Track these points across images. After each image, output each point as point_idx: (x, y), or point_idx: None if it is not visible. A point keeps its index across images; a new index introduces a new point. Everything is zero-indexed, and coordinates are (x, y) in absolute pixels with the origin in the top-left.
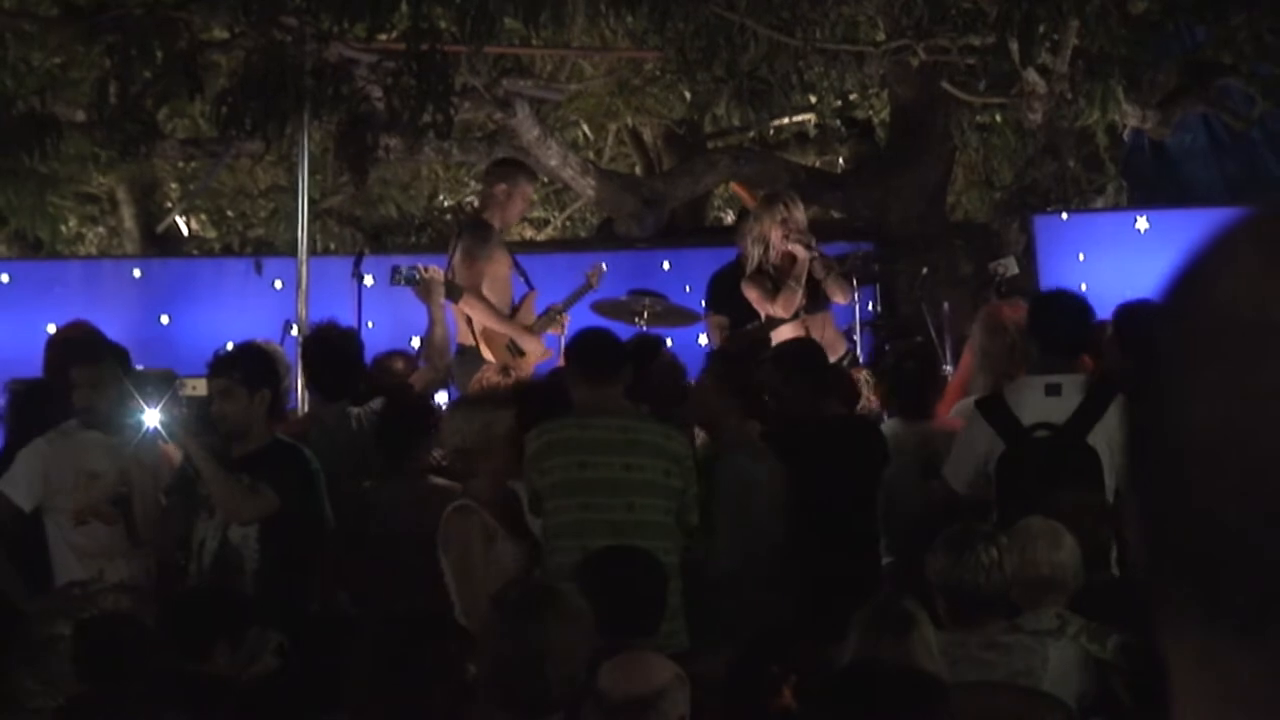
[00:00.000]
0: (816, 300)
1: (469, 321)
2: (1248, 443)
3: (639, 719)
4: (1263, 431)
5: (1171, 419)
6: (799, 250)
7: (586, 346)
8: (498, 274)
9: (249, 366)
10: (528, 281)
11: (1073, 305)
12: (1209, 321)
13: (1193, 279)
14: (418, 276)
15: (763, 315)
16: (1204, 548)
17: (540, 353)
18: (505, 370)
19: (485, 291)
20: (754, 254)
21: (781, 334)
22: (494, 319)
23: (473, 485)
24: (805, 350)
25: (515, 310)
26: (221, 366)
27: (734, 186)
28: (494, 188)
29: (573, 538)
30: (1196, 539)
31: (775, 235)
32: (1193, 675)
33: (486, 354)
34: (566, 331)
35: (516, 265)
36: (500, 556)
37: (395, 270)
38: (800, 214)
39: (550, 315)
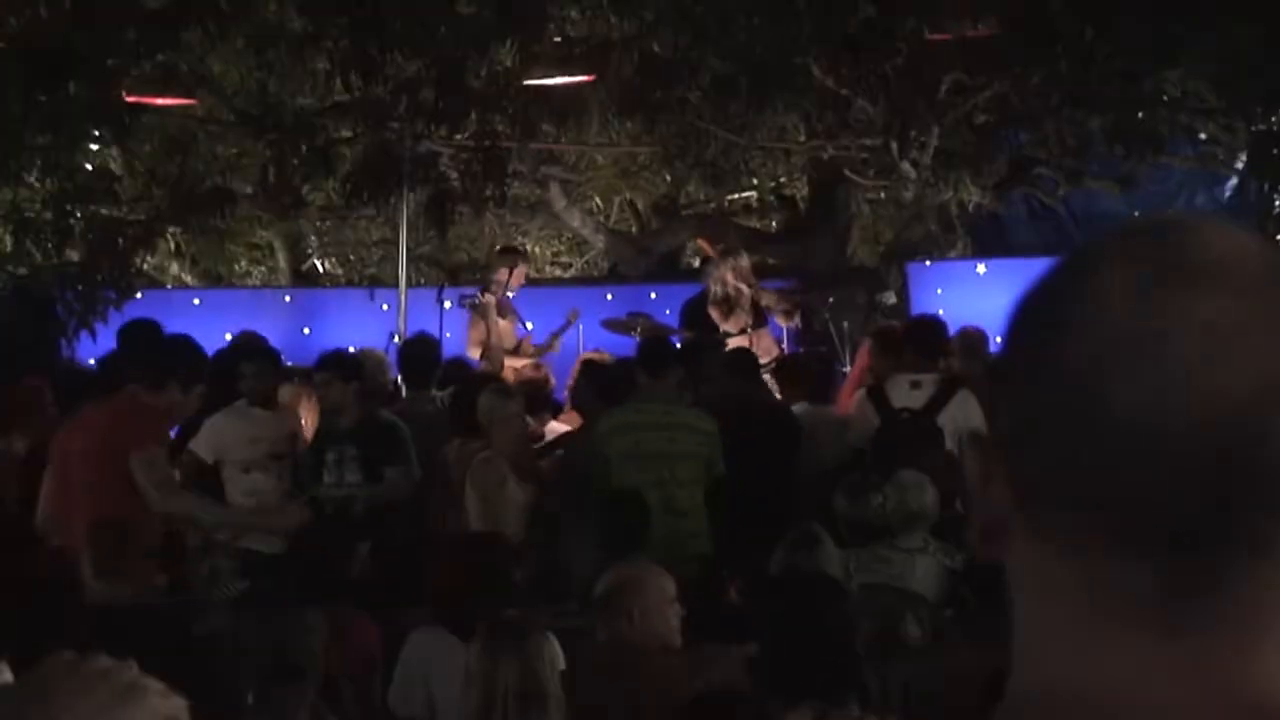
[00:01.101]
0: (758, 320)
1: None
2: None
3: (629, 609)
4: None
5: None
6: (744, 287)
7: (648, 350)
8: (503, 329)
9: (341, 365)
10: (525, 326)
11: (932, 327)
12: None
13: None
14: (477, 302)
15: (721, 330)
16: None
17: (520, 367)
18: (537, 366)
19: (494, 337)
20: (715, 289)
21: (732, 344)
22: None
23: (496, 443)
24: (743, 357)
25: (516, 349)
26: (323, 365)
27: (699, 241)
28: (497, 271)
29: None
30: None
31: (729, 276)
32: (1074, 592)
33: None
34: (559, 352)
35: (516, 315)
36: (512, 494)
37: (463, 298)
38: (745, 262)
39: (548, 344)
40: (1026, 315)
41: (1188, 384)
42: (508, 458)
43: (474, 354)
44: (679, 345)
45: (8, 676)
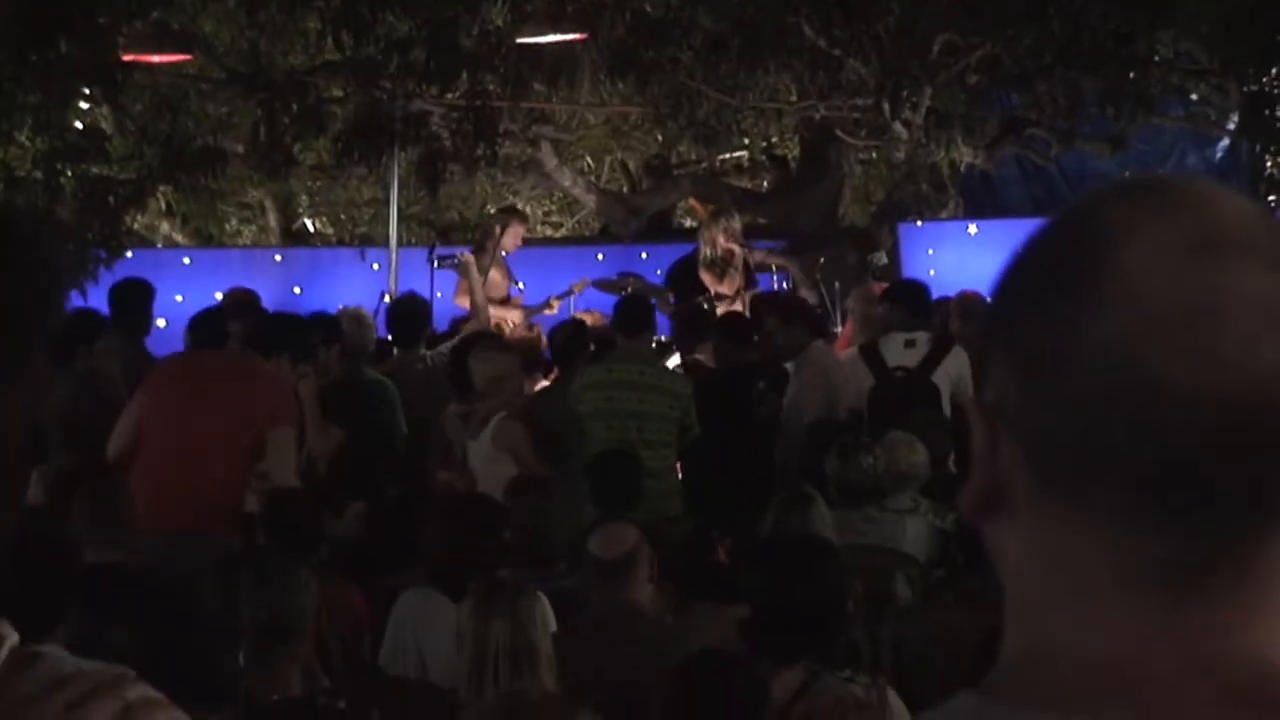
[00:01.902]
0: (749, 280)
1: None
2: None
3: (620, 570)
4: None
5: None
6: (735, 248)
7: (624, 310)
8: (495, 280)
9: (319, 330)
10: (515, 283)
11: (922, 286)
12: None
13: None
14: (457, 260)
15: (713, 292)
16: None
17: (508, 317)
18: (530, 327)
19: (487, 289)
20: (705, 251)
21: (724, 308)
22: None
23: (510, 404)
24: (734, 320)
25: (506, 300)
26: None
27: (690, 201)
28: (494, 227)
29: (598, 448)
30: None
31: (720, 238)
32: (1090, 559)
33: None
34: (557, 313)
35: (509, 274)
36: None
37: (441, 258)
38: (736, 223)
39: (544, 303)
40: (1040, 285)
41: (1237, 359)
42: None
43: (463, 304)
44: (675, 311)
45: (13, 637)
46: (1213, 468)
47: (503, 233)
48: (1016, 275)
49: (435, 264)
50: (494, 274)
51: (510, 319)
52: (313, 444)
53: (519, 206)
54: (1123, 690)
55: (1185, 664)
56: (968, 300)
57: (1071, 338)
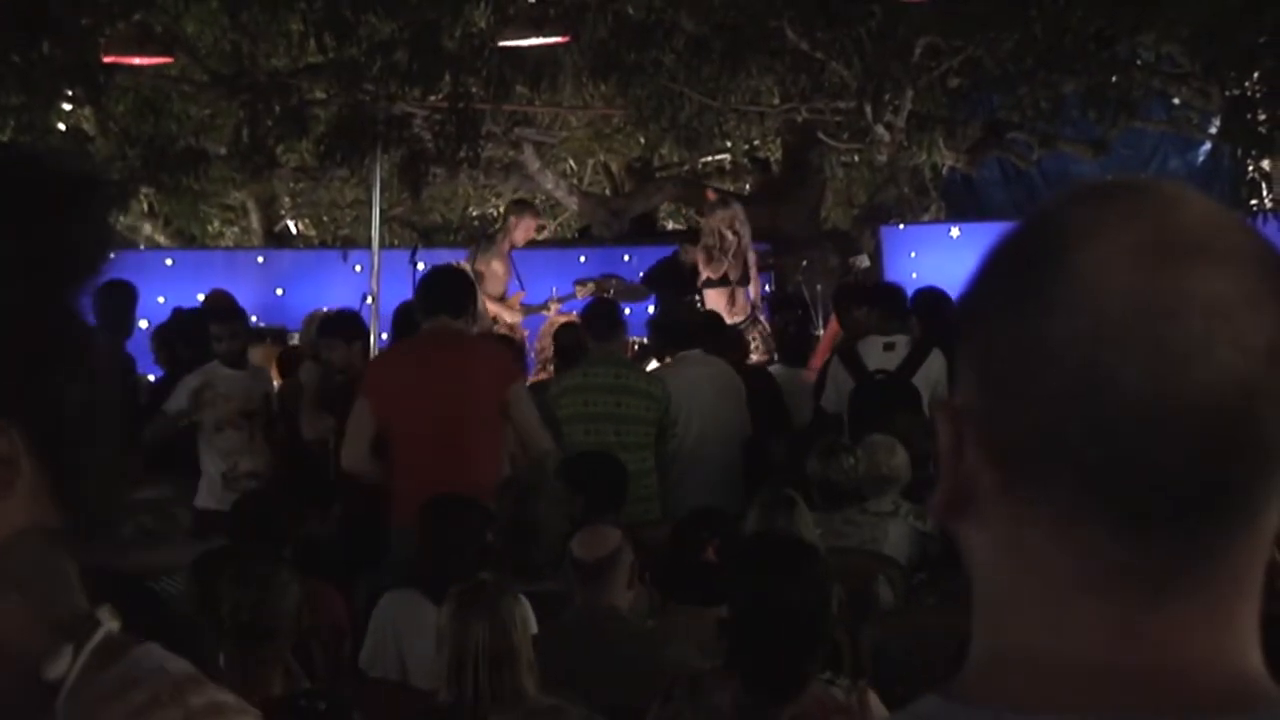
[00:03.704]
0: (744, 276)
1: None
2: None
3: (602, 573)
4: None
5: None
6: (729, 233)
7: (592, 314)
8: (495, 273)
9: (343, 326)
10: (520, 284)
11: (899, 289)
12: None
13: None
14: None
15: (704, 276)
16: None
17: (503, 314)
18: (512, 328)
19: (486, 283)
20: (705, 238)
21: (710, 294)
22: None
23: None
24: (713, 322)
25: (502, 297)
26: (325, 330)
27: (708, 193)
28: (508, 219)
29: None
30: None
31: (721, 226)
32: (1056, 560)
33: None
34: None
35: (515, 272)
36: None
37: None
38: (734, 211)
39: (542, 305)
40: (1002, 287)
41: (1190, 361)
42: None
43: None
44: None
45: (111, 625)
46: (1167, 470)
47: (515, 225)
48: (981, 277)
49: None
50: (496, 266)
51: (504, 317)
52: (306, 429)
53: (500, 209)
54: (1088, 694)
55: (1151, 668)
56: (928, 297)
57: (1028, 338)
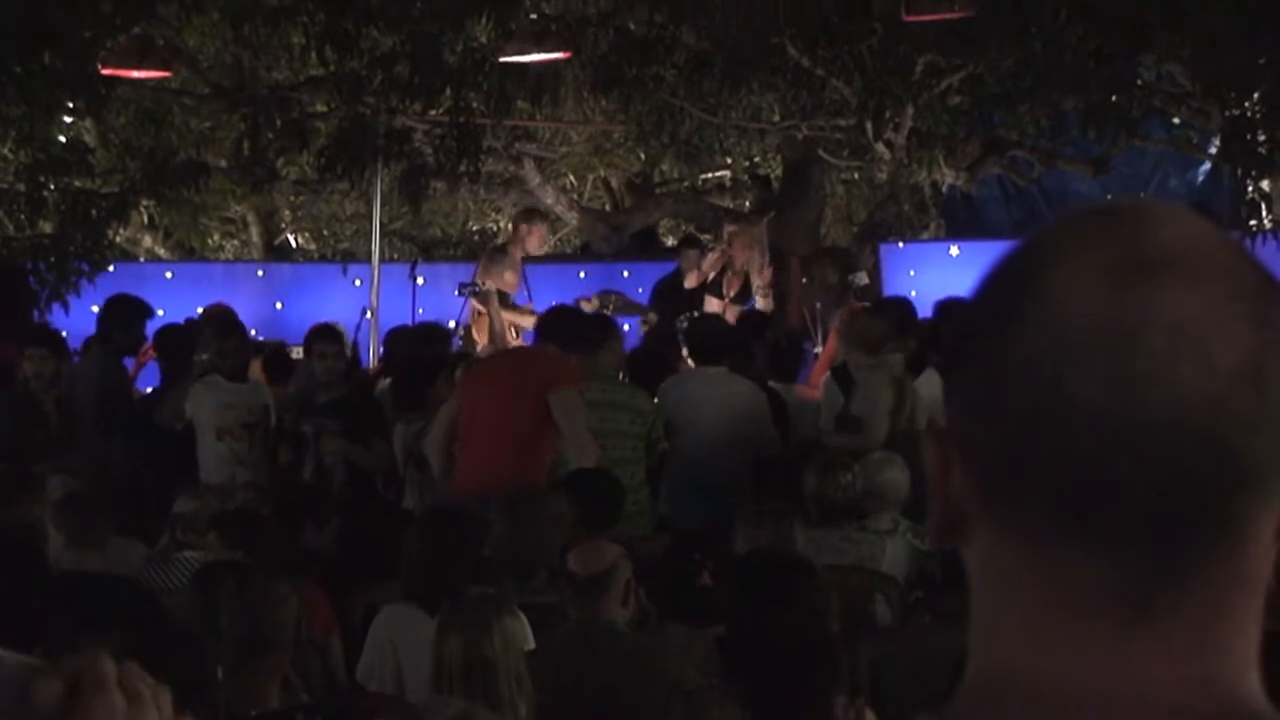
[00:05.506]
0: (743, 293)
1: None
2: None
3: (598, 588)
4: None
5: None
6: (738, 255)
7: (575, 329)
8: (509, 283)
9: (339, 339)
10: (529, 295)
11: (899, 307)
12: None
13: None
14: (479, 288)
15: (709, 276)
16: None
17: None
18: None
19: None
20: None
21: (710, 305)
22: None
23: None
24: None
25: (515, 309)
26: (322, 337)
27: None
28: (517, 227)
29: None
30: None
31: (738, 251)
32: (1036, 583)
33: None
34: None
35: (525, 282)
36: None
37: (462, 285)
38: (750, 234)
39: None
40: (981, 307)
41: (1156, 380)
42: None
43: (480, 340)
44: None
45: None
46: (1132, 490)
47: (527, 233)
48: (970, 298)
49: (458, 292)
50: (509, 276)
51: (521, 324)
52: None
53: (499, 224)
54: (1075, 718)
55: (1132, 691)
56: (946, 308)
57: (1000, 359)
